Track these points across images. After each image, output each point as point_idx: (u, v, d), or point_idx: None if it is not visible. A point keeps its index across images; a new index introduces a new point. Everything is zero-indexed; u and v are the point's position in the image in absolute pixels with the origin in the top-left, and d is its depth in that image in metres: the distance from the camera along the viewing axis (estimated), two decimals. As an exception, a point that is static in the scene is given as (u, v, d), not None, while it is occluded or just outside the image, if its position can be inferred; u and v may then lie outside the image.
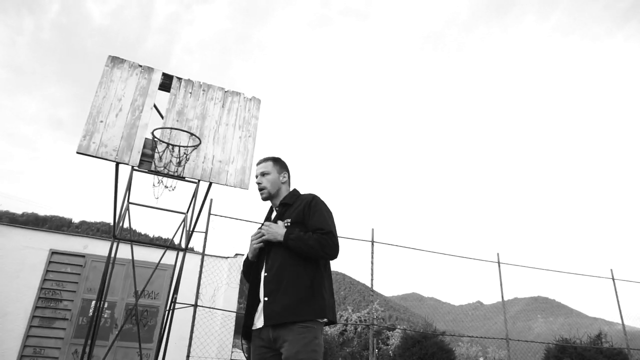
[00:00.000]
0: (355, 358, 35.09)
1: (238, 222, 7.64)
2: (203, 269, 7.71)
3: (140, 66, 5.12)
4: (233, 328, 9.90)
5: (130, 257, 8.96)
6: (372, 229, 8.43)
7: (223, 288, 10.04)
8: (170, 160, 4.67)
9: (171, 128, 4.59)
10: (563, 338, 13.62)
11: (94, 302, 9.01)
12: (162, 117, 5.68)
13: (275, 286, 2.14)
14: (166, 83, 5.27)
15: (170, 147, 4.69)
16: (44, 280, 8.90)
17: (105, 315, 9.09)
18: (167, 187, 4.66)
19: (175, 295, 6.36)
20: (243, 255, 10.45)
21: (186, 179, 5.26)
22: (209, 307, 7.27)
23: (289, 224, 2.31)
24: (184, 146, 4.72)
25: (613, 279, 9.36)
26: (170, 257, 8.41)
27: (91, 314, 8.94)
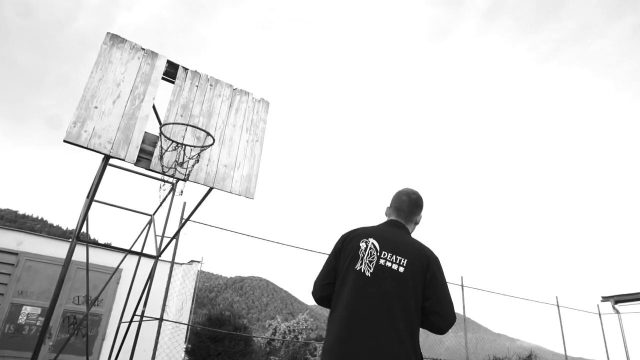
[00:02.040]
0: (281, 368, 34.60)
1: (205, 228, 7.05)
2: (158, 277, 7.02)
3: (143, 49, 4.50)
4: (184, 340, 9.16)
5: (78, 259, 7.96)
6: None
7: (177, 297, 9.26)
8: (176, 160, 4.12)
9: (185, 124, 4.04)
10: (496, 358, 14.31)
11: (26, 308, 7.85)
12: (156, 114, 5.07)
13: None
14: (170, 72, 4.69)
15: (176, 145, 4.14)
16: (-35, 279, 7.63)
17: (38, 323, 7.96)
18: (174, 191, 4.09)
19: (143, 309, 5.67)
20: (199, 262, 9.73)
21: (172, 180, 4.71)
22: (176, 322, 6.57)
23: None
24: (195, 146, 4.19)
25: (558, 306, 9.94)
26: (117, 261, 7.58)
27: (22, 321, 7.77)
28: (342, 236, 2.08)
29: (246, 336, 11.32)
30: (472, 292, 9.64)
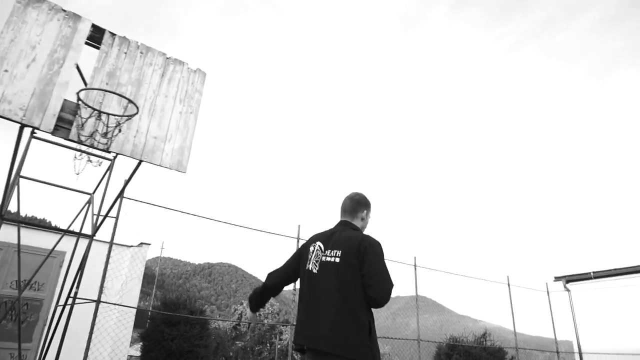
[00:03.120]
0: (247, 352, 34.54)
1: (149, 208, 6.78)
2: (101, 259, 6.73)
3: (64, 11, 4.17)
4: (132, 325, 8.89)
5: (10, 241, 7.54)
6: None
7: (122, 279, 8.95)
8: (96, 130, 3.86)
9: (103, 90, 3.78)
10: (453, 337, 14.69)
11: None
12: (84, 81, 4.75)
13: None
14: (96, 37, 4.38)
15: (98, 113, 3.87)
16: None
17: (-29, 309, 7.52)
18: (90, 162, 3.84)
19: (76, 290, 5.40)
20: (149, 244, 9.41)
21: (106, 153, 4.44)
22: (115, 304, 6.31)
23: None
24: (116, 115, 3.93)
25: (509, 285, 10.20)
26: (62, 244, 7.21)
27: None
28: (301, 245, 2.68)
29: (203, 319, 11.15)
30: (427, 273, 9.80)
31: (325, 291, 2.28)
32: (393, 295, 2.33)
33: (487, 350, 13.57)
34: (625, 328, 12.73)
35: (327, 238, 2.48)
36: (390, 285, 2.22)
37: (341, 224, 2.58)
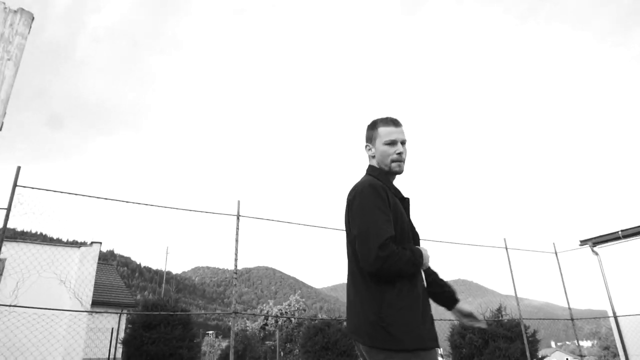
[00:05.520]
0: (275, 352, 34.02)
1: (49, 196, 6.00)
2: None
3: None
4: (84, 330, 8.24)
5: None
6: (238, 201, 7.12)
7: (72, 281, 8.31)
8: None
9: None
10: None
11: None
12: None
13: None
14: None
15: None
16: None
17: None
18: None
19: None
20: (99, 243, 8.73)
21: None
22: (10, 305, 5.59)
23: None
24: None
25: (506, 248, 9.00)
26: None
27: None
28: None
29: (185, 320, 10.49)
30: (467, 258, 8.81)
31: (348, 264, 1.96)
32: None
33: (503, 326, 12.39)
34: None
35: None
36: (369, 248, 1.66)
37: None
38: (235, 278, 6.76)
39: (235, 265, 6.52)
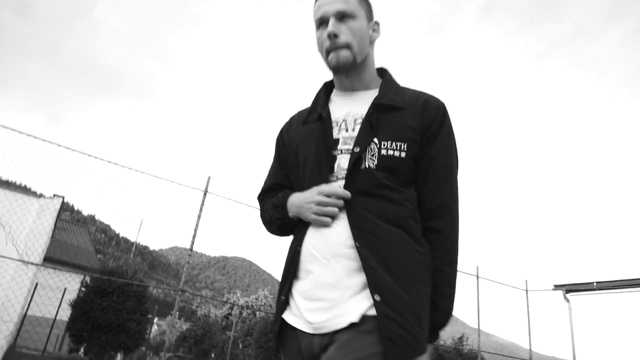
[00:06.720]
0: (235, 343, 33.58)
1: (22, 140, 5.67)
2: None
3: None
4: (32, 283, 7.87)
5: None
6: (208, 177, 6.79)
7: (25, 233, 7.93)
8: None
9: None
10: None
11: None
12: None
13: (389, 276, 1.01)
14: None
15: None
16: None
17: None
18: None
19: None
20: (60, 197, 8.35)
21: None
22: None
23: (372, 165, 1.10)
24: None
25: (477, 277, 8.74)
26: None
27: None
28: None
29: (141, 291, 10.15)
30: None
31: None
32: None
33: (462, 355, 12.19)
34: (630, 350, 11.06)
35: None
36: None
37: None
38: (189, 255, 6.44)
39: (192, 242, 6.20)
